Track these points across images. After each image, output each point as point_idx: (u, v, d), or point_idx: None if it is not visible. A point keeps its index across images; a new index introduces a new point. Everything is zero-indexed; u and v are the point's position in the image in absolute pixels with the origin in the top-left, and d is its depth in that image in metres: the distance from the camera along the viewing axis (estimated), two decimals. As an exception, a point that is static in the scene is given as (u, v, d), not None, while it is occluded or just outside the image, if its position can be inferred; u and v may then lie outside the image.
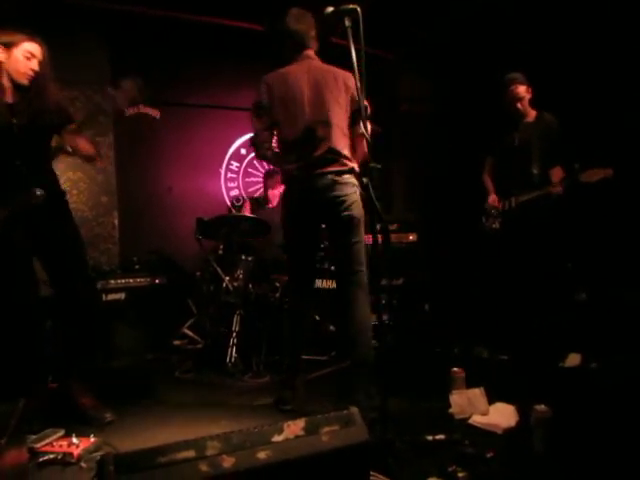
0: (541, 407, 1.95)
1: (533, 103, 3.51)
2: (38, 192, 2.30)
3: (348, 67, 2.12)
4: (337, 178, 2.46)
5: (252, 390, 2.95)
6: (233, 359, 3.35)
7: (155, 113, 4.93)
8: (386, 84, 5.54)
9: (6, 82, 2.30)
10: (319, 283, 3.81)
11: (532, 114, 3.49)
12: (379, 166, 1.88)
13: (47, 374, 2.49)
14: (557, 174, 3.28)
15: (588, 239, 3.70)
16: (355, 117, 2.51)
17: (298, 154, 2.51)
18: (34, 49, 2.35)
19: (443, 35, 4.95)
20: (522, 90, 3.47)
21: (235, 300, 3.57)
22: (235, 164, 5.36)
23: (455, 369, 2.52)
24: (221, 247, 4.08)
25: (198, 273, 4.20)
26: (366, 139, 1.91)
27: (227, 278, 3.68)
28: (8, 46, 2.30)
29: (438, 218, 5.05)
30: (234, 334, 3.42)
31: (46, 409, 2.25)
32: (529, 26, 4.29)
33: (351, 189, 2.48)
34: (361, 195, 2.50)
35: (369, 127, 2.05)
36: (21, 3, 4.03)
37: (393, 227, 4.46)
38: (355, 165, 2.53)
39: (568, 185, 3.16)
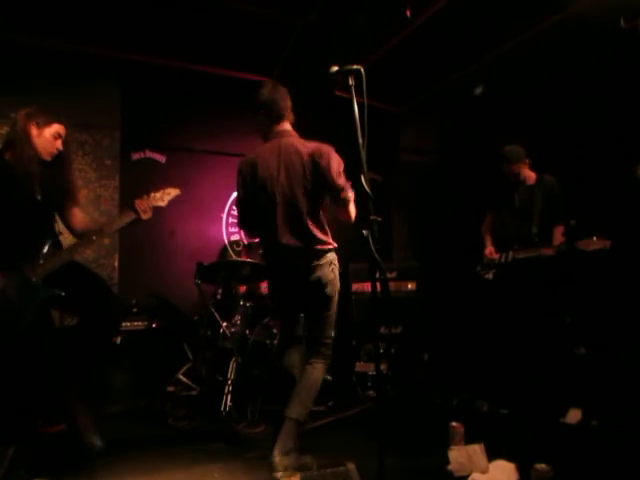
0: (542, 466, 1.91)
1: (532, 166, 3.63)
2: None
3: (350, 118, 2.19)
4: (315, 262, 2.51)
5: (246, 440, 2.89)
6: (228, 407, 3.29)
7: (161, 158, 5.04)
8: (388, 135, 5.68)
9: (31, 157, 2.44)
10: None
11: (532, 177, 3.63)
12: (379, 219, 1.90)
13: (38, 419, 2.44)
14: (558, 234, 3.37)
15: (586, 293, 3.71)
16: (330, 194, 2.53)
17: (273, 247, 2.59)
18: (61, 130, 2.55)
19: (445, 91, 5.12)
20: (514, 169, 3.61)
21: (232, 346, 3.54)
22: (237, 210, 5.42)
23: (454, 424, 2.48)
24: (220, 292, 4.08)
25: (196, 317, 4.18)
26: (365, 192, 1.95)
27: (225, 323, 3.66)
28: (40, 125, 2.49)
29: (437, 267, 5.07)
30: (229, 381, 3.37)
31: (35, 456, 2.19)
32: (532, 87, 4.45)
33: (327, 269, 2.53)
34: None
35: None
36: (38, 52, 4.23)
37: (392, 275, 4.48)
38: (331, 244, 2.58)
39: (562, 249, 3.23)
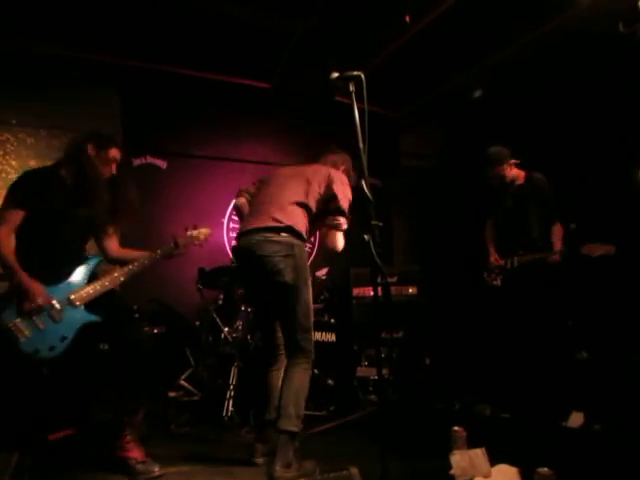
0: (544, 470, 1.91)
1: (521, 165, 3.63)
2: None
3: (351, 124, 2.20)
4: (268, 235, 2.48)
5: (248, 446, 2.88)
6: (230, 413, 3.29)
7: (162, 164, 5.06)
8: (388, 139, 5.71)
9: (86, 176, 2.46)
10: (317, 336, 3.79)
11: (521, 176, 3.62)
12: (380, 224, 1.92)
13: (44, 426, 2.44)
14: (557, 233, 3.36)
15: (588, 300, 3.72)
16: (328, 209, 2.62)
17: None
18: (118, 155, 2.58)
19: (445, 96, 5.14)
20: (498, 171, 3.60)
21: (234, 351, 3.55)
22: (238, 215, 5.44)
23: (456, 428, 2.47)
24: (221, 297, 4.08)
25: (197, 323, 4.18)
26: (366, 197, 1.96)
27: (226, 329, 3.67)
28: (100, 148, 2.51)
29: (439, 271, 5.08)
30: (231, 387, 3.38)
31: (39, 462, 2.19)
32: (533, 90, 4.48)
33: (282, 247, 2.47)
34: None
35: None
36: (39, 59, 4.25)
37: (393, 280, 4.48)
38: (296, 227, 2.53)
39: (566, 255, 3.24)
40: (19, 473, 1.51)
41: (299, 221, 2.55)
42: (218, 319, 3.75)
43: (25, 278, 2.24)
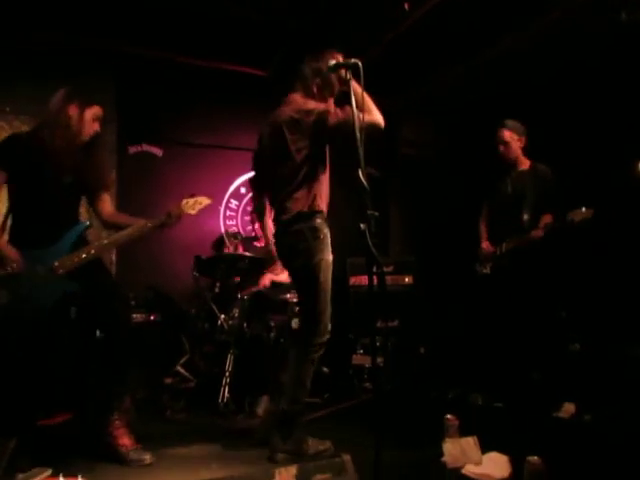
0: (534, 459, 1.93)
1: (527, 153, 3.60)
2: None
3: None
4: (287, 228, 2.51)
5: (243, 432, 2.91)
6: (225, 399, 3.31)
7: (158, 152, 5.04)
8: (386, 129, 5.67)
9: (67, 137, 2.39)
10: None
11: (526, 163, 3.57)
12: (377, 214, 1.92)
13: (38, 410, 2.45)
14: (545, 219, 3.33)
15: (579, 290, 3.74)
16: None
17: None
18: (100, 113, 2.51)
19: (445, 85, 5.12)
20: (507, 135, 3.53)
21: (229, 339, 3.56)
22: (234, 202, 5.44)
23: (449, 417, 2.49)
24: (217, 285, 4.09)
25: (193, 310, 4.20)
26: (363, 186, 1.96)
27: (222, 316, 3.68)
28: (81, 106, 2.44)
29: (435, 261, 5.09)
30: (227, 374, 3.40)
31: (36, 446, 2.21)
32: (529, 80, 4.46)
33: (298, 236, 2.46)
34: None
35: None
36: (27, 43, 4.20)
37: (389, 269, 4.50)
38: (304, 208, 2.48)
39: (548, 229, 3.22)
40: (17, 459, 1.53)
41: (302, 200, 2.49)
42: (214, 307, 3.76)
43: (2, 244, 2.21)
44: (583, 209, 3.08)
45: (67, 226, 2.42)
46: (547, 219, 3.33)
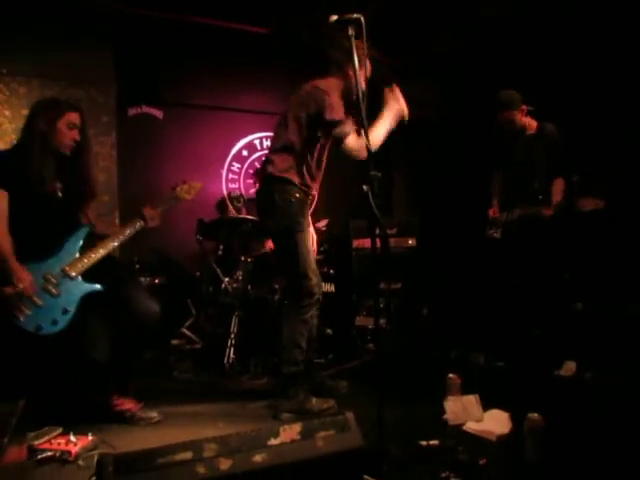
0: (534, 416, 1.97)
1: (534, 114, 3.53)
2: None
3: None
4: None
5: (249, 392, 2.98)
6: (231, 360, 3.37)
7: (158, 113, 4.96)
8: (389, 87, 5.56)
9: (46, 153, 2.34)
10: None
11: (533, 126, 3.50)
12: (379, 174, 1.89)
13: (49, 372, 2.49)
14: (558, 187, 3.30)
15: (585, 252, 3.72)
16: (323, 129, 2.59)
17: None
18: (76, 119, 2.41)
19: (450, 43, 4.98)
20: (507, 115, 3.47)
21: (234, 301, 3.60)
22: (237, 165, 5.39)
23: (451, 375, 2.54)
24: (221, 248, 4.10)
25: (198, 274, 4.22)
26: (367, 147, 1.93)
27: (226, 279, 3.70)
28: (53, 120, 2.35)
29: (438, 223, 5.07)
30: (232, 335, 3.45)
31: (45, 406, 2.26)
32: (536, 38, 4.32)
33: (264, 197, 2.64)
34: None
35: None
36: (29, 5, 4.09)
37: (392, 231, 4.48)
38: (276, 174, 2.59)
39: (560, 209, 3.21)
40: (27, 418, 1.57)
41: (282, 166, 2.58)
42: (218, 270, 3.78)
43: (13, 265, 2.17)
44: (593, 199, 3.04)
45: (70, 231, 2.42)
46: (559, 185, 3.30)
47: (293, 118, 2.58)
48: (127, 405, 2.43)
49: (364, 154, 2.24)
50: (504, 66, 4.44)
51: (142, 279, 3.83)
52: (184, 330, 4.03)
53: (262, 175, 2.68)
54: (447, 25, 4.74)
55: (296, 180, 2.59)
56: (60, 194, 2.42)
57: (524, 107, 3.47)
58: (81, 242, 2.43)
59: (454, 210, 4.89)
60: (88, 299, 2.35)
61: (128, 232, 2.53)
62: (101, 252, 2.41)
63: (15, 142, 2.46)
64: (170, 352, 3.82)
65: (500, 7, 4.29)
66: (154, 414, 2.43)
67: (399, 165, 5.78)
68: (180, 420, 2.48)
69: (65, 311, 2.28)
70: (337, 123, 2.49)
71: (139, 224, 2.57)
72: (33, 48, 4.24)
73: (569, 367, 3.10)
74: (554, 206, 3.26)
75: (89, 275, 2.38)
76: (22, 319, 2.19)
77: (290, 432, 1.40)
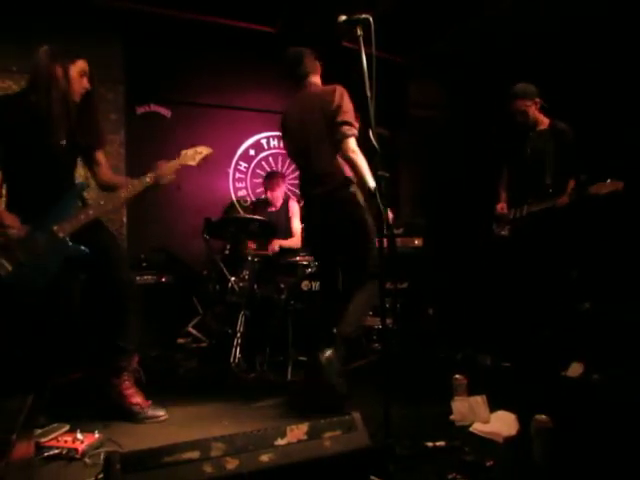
0: (541, 417, 1.96)
1: (546, 111, 3.50)
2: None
3: (358, 71, 2.14)
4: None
5: (255, 391, 2.98)
6: (237, 359, 3.37)
7: (166, 112, 4.98)
8: (397, 88, 5.55)
9: (58, 99, 2.30)
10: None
11: (545, 122, 3.47)
12: (387, 174, 1.89)
13: (54, 368, 2.50)
14: (569, 186, 3.27)
15: (594, 250, 3.70)
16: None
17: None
18: (86, 67, 2.40)
19: (456, 42, 4.96)
20: (521, 104, 3.45)
21: (240, 300, 3.60)
22: (244, 164, 5.39)
23: (458, 376, 2.53)
24: (228, 247, 4.11)
25: (204, 272, 4.23)
26: (373, 147, 1.92)
27: (233, 278, 3.71)
28: (66, 64, 2.33)
29: (445, 223, 5.06)
30: (238, 334, 3.45)
31: (53, 403, 2.28)
32: (544, 36, 4.29)
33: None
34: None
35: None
36: (39, 4, 4.11)
37: (399, 231, 4.47)
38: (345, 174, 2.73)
39: (575, 197, 3.17)
40: (34, 415, 1.58)
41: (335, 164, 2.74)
42: (225, 269, 3.78)
43: (0, 212, 2.17)
44: (609, 181, 3.02)
45: (64, 189, 2.37)
46: (571, 184, 3.27)
47: (318, 116, 2.75)
48: (136, 399, 2.43)
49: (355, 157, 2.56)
50: (509, 66, 4.42)
51: (148, 277, 3.85)
52: (190, 329, 4.04)
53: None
54: (452, 26, 4.71)
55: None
56: (63, 144, 2.36)
57: (538, 100, 3.45)
58: (73, 201, 2.38)
59: (460, 210, 4.87)
60: (73, 260, 2.31)
61: (126, 194, 2.45)
62: (92, 213, 2.35)
63: (24, 87, 2.40)
64: (176, 351, 3.83)
65: (504, 8, 4.27)
66: (161, 412, 2.44)
67: (407, 164, 5.77)
68: (186, 418, 2.48)
69: (46, 271, 2.24)
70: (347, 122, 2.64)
71: (149, 178, 2.49)
72: (41, 45, 4.26)
73: (576, 368, 3.08)
74: (569, 194, 3.22)
75: (78, 237, 2.32)
76: (3, 273, 2.15)
77: (297, 432, 1.40)
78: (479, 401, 2.35)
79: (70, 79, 2.32)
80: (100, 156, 2.57)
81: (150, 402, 2.47)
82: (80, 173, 2.64)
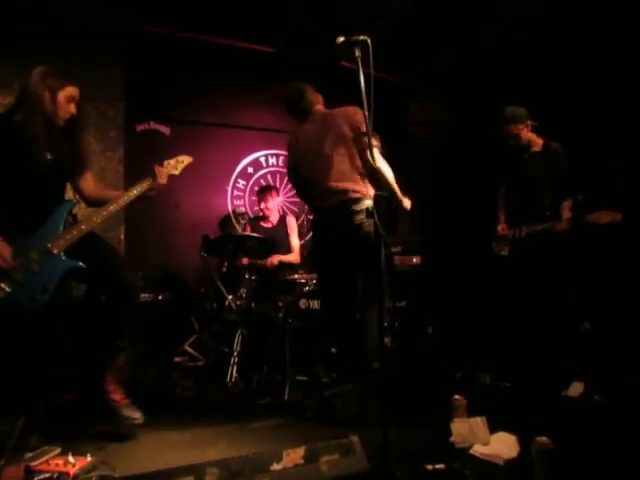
0: (542, 439, 1.93)
1: (540, 131, 3.52)
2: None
3: (357, 90, 2.15)
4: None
5: (251, 411, 2.93)
6: (234, 378, 3.33)
7: (165, 130, 5.00)
8: (396, 107, 5.60)
9: (42, 120, 2.31)
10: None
11: (538, 143, 3.50)
12: (385, 194, 1.89)
13: (48, 389, 2.47)
14: (566, 208, 3.29)
15: (593, 271, 3.70)
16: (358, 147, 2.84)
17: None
18: (75, 93, 2.42)
19: (454, 62, 5.01)
20: (513, 129, 3.48)
21: (237, 319, 3.57)
22: (242, 182, 5.41)
23: (457, 397, 2.50)
24: (225, 265, 4.09)
25: (202, 290, 4.21)
26: (372, 167, 1.94)
27: (230, 296, 3.69)
28: (54, 89, 2.35)
29: (443, 241, 5.05)
30: (235, 353, 3.41)
31: (45, 425, 2.24)
32: (543, 54, 4.35)
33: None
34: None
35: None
36: (41, 22, 4.15)
37: (397, 249, 4.46)
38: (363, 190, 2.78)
39: (574, 224, 3.18)
40: (25, 438, 1.54)
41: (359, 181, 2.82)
42: (222, 287, 3.76)
43: None
44: (606, 212, 3.03)
45: (54, 206, 2.37)
46: (567, 205, 3.29)
47: (342, 133, 2.86)
48: (116, 396, 2.40)
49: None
50: (508, 84, 4.46)
51: (145, 295, 3.82)
52: (187, 347, 4.00)
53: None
54: (452, 45, 4.77)
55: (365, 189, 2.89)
56: (50, 165, 2.37)
57: (529, 122, 3.48)
58: (65, 217, 2.38)
59: (459, 228, 4.87)
60: (70, 276, 2.32)
61: (116, 206, 2.47)
62: (84, 228, 2.36)
63: (9, 106, 2.41)
64: (172, 369, 3.79)
65: (503, 27, 4.33)
66: (137, 414, 2.38)
67: (404, 183, 5.77)
68: (181, 440, 2.43)
69: (45, 289, 2.23)
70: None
71: (147, 183, 2.53)
72: (44, 63, 4.28)
73: (577, 387, 3.05)
74: (568, 220, 3.23)
75: (72, 251, 2.32)
76: (2, 295, 2.15)
77: (294, 456, 1.37)
78: (479, 422, 2.32)
79: (56, 104, 2.35)
80: (86, 177, 2.59)
81: (127, 400, 2.43)
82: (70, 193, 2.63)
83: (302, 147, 3.03)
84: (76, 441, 2.23)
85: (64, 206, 2.41)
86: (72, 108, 2.41)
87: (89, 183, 2.60)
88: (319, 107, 3.09)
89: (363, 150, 2.73)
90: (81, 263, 2.32)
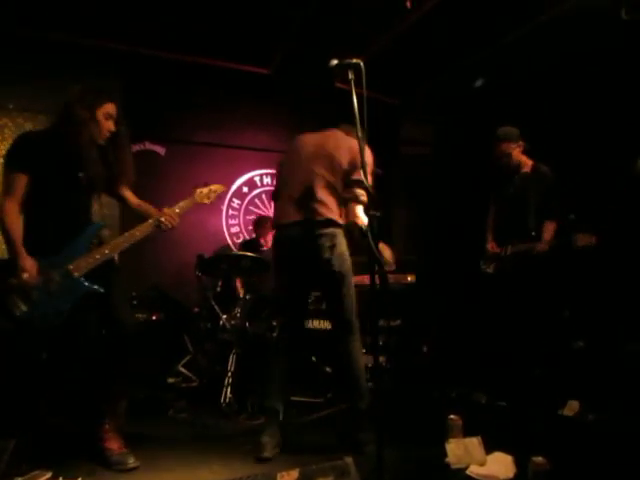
0: (539, 459, 1.92)
1: (529, 153, 3.58)
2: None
3: (350, 112, 2.18)
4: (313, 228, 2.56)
5: (246, 432, 2.90)
6: (228, 399, 3.30)
7: (160, 150, 5.03)
8: (388, 127, 5.66)
9: (83, 140, 2.32)
10: (315, 323, 3.79)
11: (528, 164, 3.55)
12: (378, 214, 1.91)
13: (42, 412, 2.43)
14: (548, 229, 3.34)
15: (582, 288, 3.72)
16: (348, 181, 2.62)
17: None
18: (112, 110, 2.42)
19: (447, 83, 5.09)
20: (506, 147, 3.52)
21: (232, 338, 3.56)
22: (237, 202, 5.43)
23: (452, 416, 2.49)
24: (220, 284, 4.08)
25: (196, 309, 4.19)
26: (366, 188, 1.95)
27: (224, 316, 3.67)
28: (92, 108, 2.35)
29: (437, 260, 5.07)
30: (229, 374, 3.39)
31: (36, 448, 2.20)
32: (535, 76, 4.43)
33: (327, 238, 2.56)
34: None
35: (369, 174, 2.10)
36: (38, 43, 4.21)
37: (391, 268, 4.47)
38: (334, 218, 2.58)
39: (554, 245, 3.22)
40: (15, 461, 1.52)
41: (334, 209, 2.59)
42: (216, 306, 3.75)
43: (20, 254, 2.15)
44: (584, 235, 3.07)
45: (82, 227, 2.36)
46: (550, 228, 3.33)
47: (336, 158, 2.61)
48: (111, 444, 2.32)
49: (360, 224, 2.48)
50: (500, 106, 4.53)
51: (139, 315, 3.80)
52: (180, 368, 3.96)
53: (311, 216, 2.60)
54: (444, 67, 4.86)
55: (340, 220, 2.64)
56: (83, 183, 2.35)
57: (521, 143, 3.53)
58: (90, 240, 2.36)
59: (453, 247, 4.89)
60: (87, 298, 2.29)
61: (143, 232, 2.48)
62: (107, 252, 2.34)
63: (51, 124, 2.41)
64: (166, 390, 3.74)
65: (495, 51, 4.42)
66: (130, 460, 2.28)
67: (399, 201, 5.83)
68: (174, 462, 2.40)
69: (60, 311, 2.21)
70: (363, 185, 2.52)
71: (154, 222, 2.51)
72: (40, 84, 4.32)
73: (573, 406, 3.05)
74: (548, 242, 3.27)
75: (91, 276, 2.30)
76: (18, 313, 2.14)
77: (287, 479, 1.36)
78: (475, 443, 2.30)
79: (96, 122, 2.35)
80: (125, 188, 2.59)
81: (125, 450, 2.33)
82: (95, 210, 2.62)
83: (300, 153, 2.78)
84: (67, 465, 2.20)
85: (91, 228, 2.39)
86: (111, 125, 2.42)
87: (130, 194, 2.61)
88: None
89: (356, 182, 2.55)
90: (97, 286, 2.29)
